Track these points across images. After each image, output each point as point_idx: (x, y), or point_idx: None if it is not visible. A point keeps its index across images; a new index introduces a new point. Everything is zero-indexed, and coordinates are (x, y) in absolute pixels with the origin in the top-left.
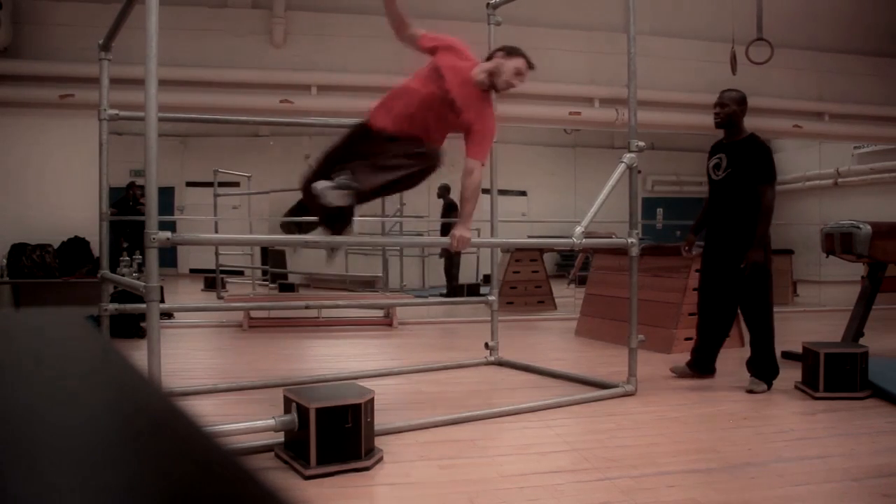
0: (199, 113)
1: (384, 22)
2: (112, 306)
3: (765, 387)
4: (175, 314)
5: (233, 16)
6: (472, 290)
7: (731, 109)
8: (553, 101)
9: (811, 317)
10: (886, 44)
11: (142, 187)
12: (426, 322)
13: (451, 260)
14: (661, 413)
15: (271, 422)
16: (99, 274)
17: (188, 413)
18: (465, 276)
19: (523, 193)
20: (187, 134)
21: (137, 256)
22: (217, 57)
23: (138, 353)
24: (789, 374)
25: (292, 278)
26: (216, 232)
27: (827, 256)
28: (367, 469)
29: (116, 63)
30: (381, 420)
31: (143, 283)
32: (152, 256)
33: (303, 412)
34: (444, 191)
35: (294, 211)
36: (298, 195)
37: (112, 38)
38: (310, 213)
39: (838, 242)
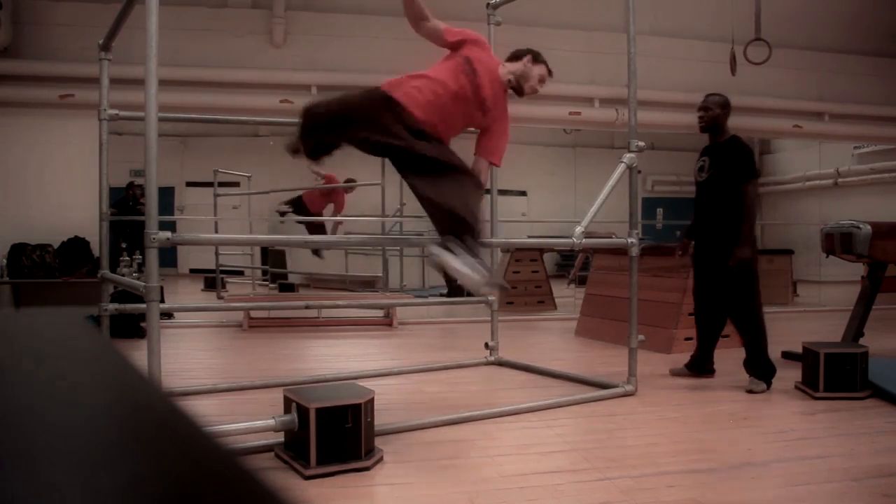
0: (199, 113)
1: (384, 22)
2: (112, 306)
3: (764, 386)
4: (175, 314)
5: (233, 16)
6: None
7: (714, 113)
8: (553, 101)
9: (811, 317)
10: (886, 44)
11: (142, 187)
12: (426, 322)
13: None
14: (661, 413)
15: (271, 422)
16: (99, 274)
17: (188, 413)
18: None
19: (523, 193)
20: (187, 134)
21: (137, 256)
22: (217, 57)
23: (138, 353)
24: (789, 374)
25: (292, 278)
26: (216, 232)
27: (827, 256)
28: (367, 469)
29: (116, 63)
30: (381, 420)
31: (143, 283)
32: (152, 256)
33: (303, 412)
34: None
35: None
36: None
37: (112, 38)
38: (309, 134)
39: (838, 242)
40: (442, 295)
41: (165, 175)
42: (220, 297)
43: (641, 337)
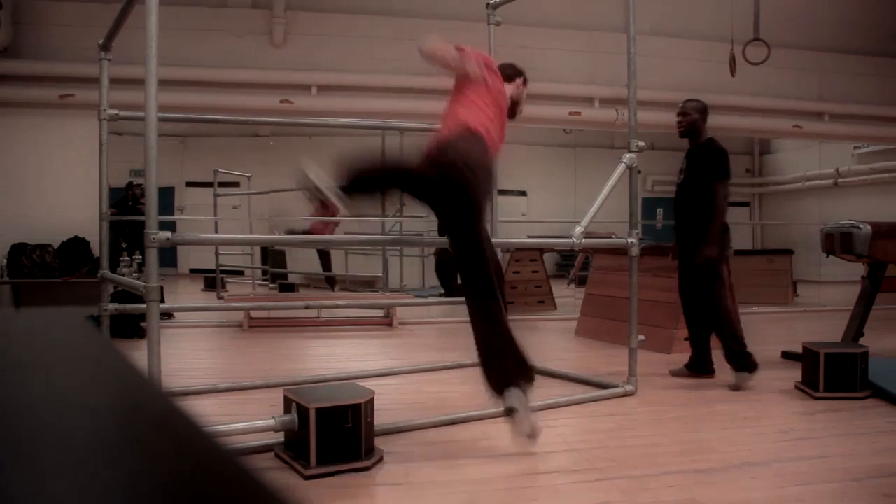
0: (199, 113)
1: (384, 22)
2: (112, 306)
3: (748, 376)
4: (175, 314)
5: (233, 16)
6: None
7: (692, 118)
8: (553, 101)
9: (811, 317)
10: (886, 44)
11: (141, 187)
12: (426, 322)
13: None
14: (661, 413)
15: (271, 422)
16: (99, 274)
17: (188, 413)
18: None
19: (523, 193)
20: (187, 134)
21: (137, 256)
22: (217, 57)
23: (138, 353)
24: (789, 374)
25: (292, 278)
26: (216, 232)
27: (827, 256)
28: (367, 469)
29: (116, 63)
30: (381, 420)
31: (143, 283)
32: (152, 256)
33: (303, 412)
34: None
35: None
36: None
37: (112, 38)
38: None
39: (838, 242)
40: (441, 295)
41: (165, 175)
42: (220, 297)
43: (641, 337)
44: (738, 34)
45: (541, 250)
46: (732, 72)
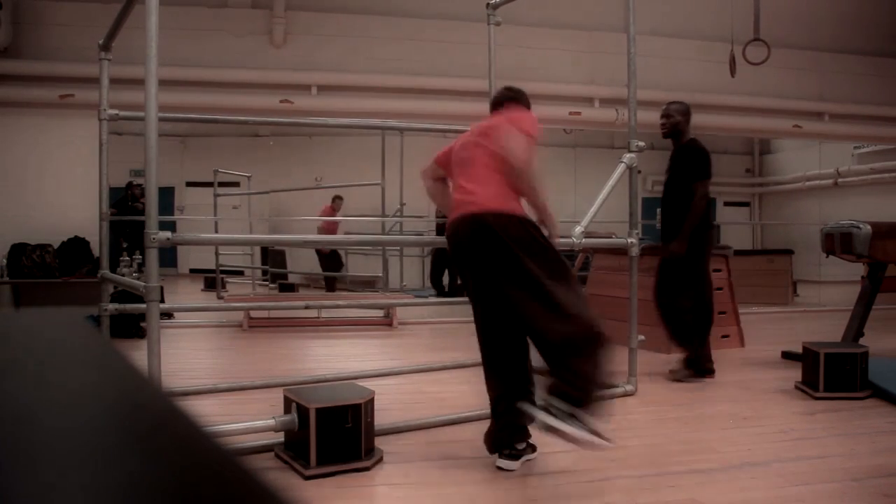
0: (199, 113)
1: (384, 22)
2: (112, 306)
3: (691, 375)
4: (175, 314)
5: (233, 16)
6: None
7: (675, 120)
8: (553, 101)
9: (811, 317)
10: (886, 44)
11: (141, 187)
12: (426, 322)
13: (440, 262)
14: (661, 413)
15: (271, 422)
16: (99, 274)
17: (188, 413)
18: None
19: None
20: (187, 134)
21: (137, 256)
22: (217, 57)
23: (138, 353)
24: (789, 374)
25: (292, 278)
26: (216, 232)
27: (827, 256)
28: (367, 469)
29: (116, 63)
30: (381, 420)
31: (143, 283)
32: (152, 256)
33: (303, 412)
34: None
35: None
36: None
37: (112, 38)
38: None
39: (838, 242)
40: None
41: (165, 175)
42: (220, 297)
43: (641, 337)
44: (738, 34)
45: None
46: (732, 72)
